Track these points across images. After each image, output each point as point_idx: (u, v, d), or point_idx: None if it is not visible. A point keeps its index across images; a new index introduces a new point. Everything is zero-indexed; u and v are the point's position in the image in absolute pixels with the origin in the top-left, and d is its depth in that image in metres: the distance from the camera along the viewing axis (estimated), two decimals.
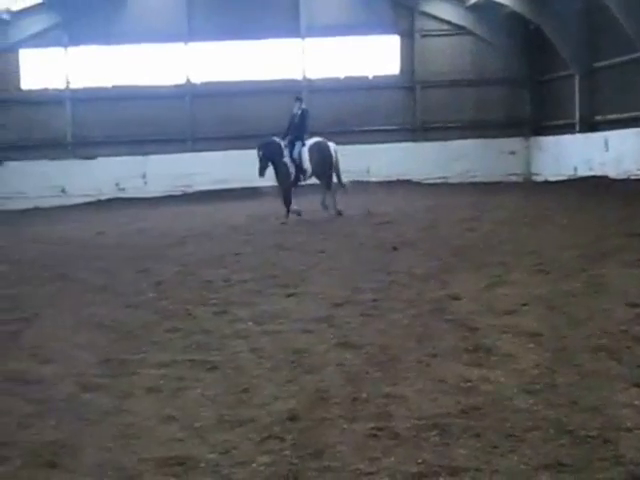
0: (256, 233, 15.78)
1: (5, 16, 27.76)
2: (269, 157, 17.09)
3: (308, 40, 30.69)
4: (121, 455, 4.32)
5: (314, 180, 18.16)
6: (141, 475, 4.04)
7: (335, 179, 18.03)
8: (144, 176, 29.23)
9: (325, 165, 17.59)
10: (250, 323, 7.41)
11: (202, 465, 4.12)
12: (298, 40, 30.70)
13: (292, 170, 17.20)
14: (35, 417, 5.05)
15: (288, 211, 17.13)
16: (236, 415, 4.85)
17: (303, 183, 17.97)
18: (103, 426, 4.82)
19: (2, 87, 29.40)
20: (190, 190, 28.22)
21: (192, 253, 13.15)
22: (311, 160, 17.32)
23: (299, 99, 18.46)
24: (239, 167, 29.07)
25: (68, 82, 29.91)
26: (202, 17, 29.97)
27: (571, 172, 26.04)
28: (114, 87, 30.03)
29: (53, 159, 29.12)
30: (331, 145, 18.02)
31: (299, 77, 30.79)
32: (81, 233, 17.83)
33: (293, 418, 4.71)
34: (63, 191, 28.60)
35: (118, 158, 29.09)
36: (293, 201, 17.35)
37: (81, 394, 5.50)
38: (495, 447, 4.11)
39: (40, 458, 4.34)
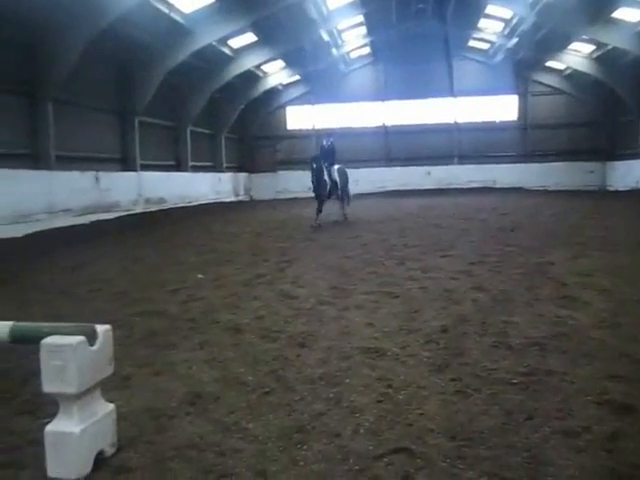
0: (422, 216, 15.46)
1: (280, 87, 29.04)
2: (316, 174, 14.66)
3: (458, 98, 29.61)
4: (341, 343, 4.42)
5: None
6: (353, 356, 4.11)
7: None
8: (357, 181, 29.42)
9: (345, 183, 15.76)
10: (418, 271, 7.30)
11: (388, 354, 4.14)
12: (451, 98, 29.67)
13: (329, 184, 14.93)
14: (293, 317, 5.24)
15: (318, 215, 14.58)
16: (409, 326, 4.82)
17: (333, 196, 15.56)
18: (331, 326, 4.93)
19: (277, 128, 30.85)
20: (384, 190, 28.22)
21: (385, 227, 13.11)
22: (340, 179, 15.43)
23: (330, 135, 16.28)
24: (414, 176, 28.98)
25: (314, 125, 30.64)
26: (392, 85, 29.52)
27: (634, 185, 23.67)
28: (340, 128, 30.35)
29: (304, 170, 30.05)
30: (346, 170, 16.05)
31: (452, 121, 29.84)
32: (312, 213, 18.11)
33: (444, 331, 4.62)
34: (309, 189, 29.57)
35: None
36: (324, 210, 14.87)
37: (319, 306, 5.64)
38: (575, 361, 3.84)
39: (296, 341, 4.52)
